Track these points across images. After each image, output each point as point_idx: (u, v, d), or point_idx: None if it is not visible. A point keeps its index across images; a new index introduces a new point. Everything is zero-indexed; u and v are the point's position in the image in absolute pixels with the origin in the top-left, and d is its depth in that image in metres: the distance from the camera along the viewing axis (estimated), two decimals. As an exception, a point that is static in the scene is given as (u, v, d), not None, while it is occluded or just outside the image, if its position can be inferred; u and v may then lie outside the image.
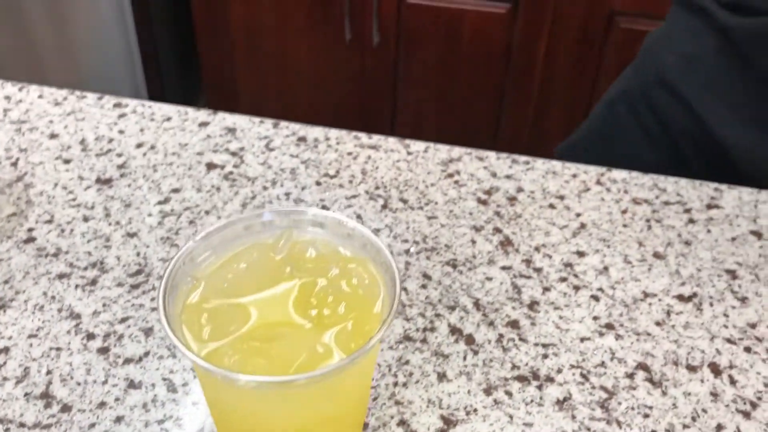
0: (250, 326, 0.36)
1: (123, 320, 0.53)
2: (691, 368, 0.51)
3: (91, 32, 1.69)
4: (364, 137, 0.72)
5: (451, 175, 0.67)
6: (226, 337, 0.36)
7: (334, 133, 0.72)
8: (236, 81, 1.76)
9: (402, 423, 0.47)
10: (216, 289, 0.38)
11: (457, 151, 0.70)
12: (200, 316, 0.37)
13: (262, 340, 0.35)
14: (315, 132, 0.72)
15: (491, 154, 0.69)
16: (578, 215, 0.63)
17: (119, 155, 0.68)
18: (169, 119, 0.73)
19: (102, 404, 0.48)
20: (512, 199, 0.64)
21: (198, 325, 0.36)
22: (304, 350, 0.35)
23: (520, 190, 0.65)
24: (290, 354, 0.35)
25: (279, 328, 0.36)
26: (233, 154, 0.69)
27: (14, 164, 0.67)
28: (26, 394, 0.48)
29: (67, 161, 0.67)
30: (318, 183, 0.66)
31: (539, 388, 0.49)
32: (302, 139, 0.71)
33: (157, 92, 1.81)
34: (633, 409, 0.48)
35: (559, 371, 0.50)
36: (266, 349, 0.35)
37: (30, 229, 0.60)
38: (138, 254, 0.58)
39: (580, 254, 0.59)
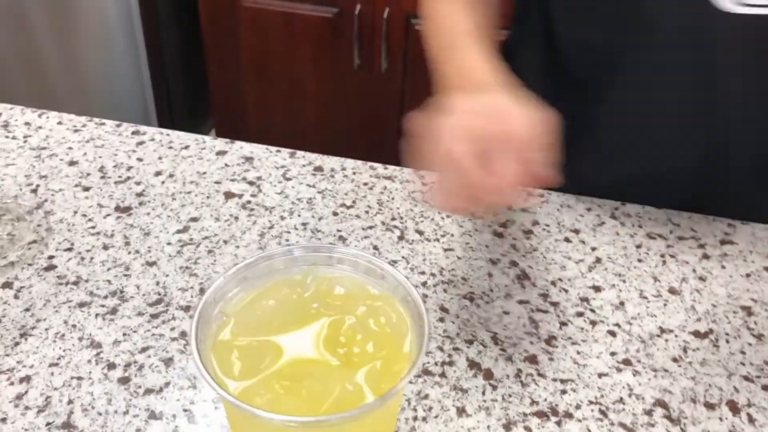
0: (280, 364, 0.37)
1: (143, 350, 0.53)
2: (710, 406, 0.51)
3: (101, 58, 1.70)
4: (380, 168, 0.72)
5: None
6: (257, 375, 0.36)
7: (350, 163, 0.73)
8: (245, 106, 1.77)
9: (422, 458, 0.47)
10: (246, 325, 0.39)
11: (472, 182, 0.71)
12: (231, 353, 0.37)
13: (292, 379, 0.36)
14: (331, 162, 0.73)
15: (506, 187, 0.70)
16: (593, 249, 0.63)
17: (138, 183, 0.69)
18: (186, 147, 0.74)
19: (123, 435, 0.48)
20: (528, 232, 0.65)
21: (228, 362, 0.37)
22: (334, 389, 0.35)
23: (535, 223, 0.66)
24: (321, 393, 0.35)
25: (309, 366, 0.37)
26: (251, 183, 0.69)
27: (34, 191, 0.67)
28: (48, 424, 0.48)
29: (86, 188, 0.68)
30: (335, 213, 0.66)
31: (558, 424, 0.49)
32: (318, 168, 0.72)
33: (166, 116, 1.82)
34: (652, 446, 0.48)
35: (578, 407, 0.51)
36: (297, 388, 0.35)
37: (50, 257, 0.60)
38: (157, 283, 0.59)
39: (597, 289, 0.60)
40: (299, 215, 0.66)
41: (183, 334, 0.55)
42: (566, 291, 0.59)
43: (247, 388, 0.36)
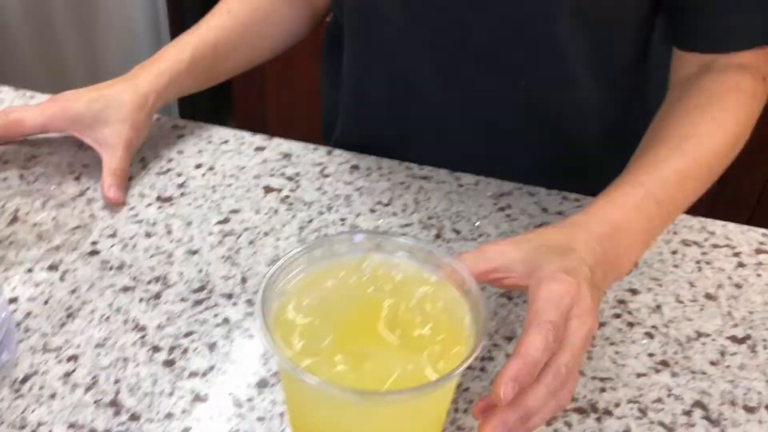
0: (341, 343, 0.37)
1: (187, 335, 0.54)
2: (749, 409, 0.51)
3: (126, 56, 1.72)
4: (415, 168, 0.73)
5: (502, 209, 0.68)
6: (319, 354, 0.37)
7: (386, 162, 0.74)
8: (266, 104, 1.80)
9: (464, 449, 0.47)
10: (307, 305, 0.39)
11: (507, 185, 0.71)
12: (293, 331, 0.38)
13: (354, 358, 0.36)
14: (368, 161, 0.74)
15: (541, 190, 0.71)
16: (629, 254, 0.64)
17: (179, 174, 0.70)
18: (226, 142, 0.75)
19: (169, 415, 0.49)
20: (564, 235, 0.65)
21: (290, 340, 0.37)
22: (395, 369, 0.36)
23: (571, 226, 0.67)
24: (382, 372, 0.36)
25: (369, 346, 0.37)
26: (289, 178, 0.70)
27: (77, 179, 0.68)
28: (96, 401, 0.49)
29: (128, 178, 0.69)
30: (372, 210, 0.67)
31: (598, 420, 0.50)
32: (355, 167, 0.73)
33: (188, 114, 1.84)
34: (691, 446, 0.49)
35: (617, 405, 0.51)
36: (359, 365, 0.36)
37: (94, 242, 0.61)
38: (200, 271, 0.59)
39: (633, 292, 0.60)
40: (337, 211, 0.67)
41: (226, 321, 0.55)
42: (603, 293, 0.60)
43: (308, 365, 0.36)
